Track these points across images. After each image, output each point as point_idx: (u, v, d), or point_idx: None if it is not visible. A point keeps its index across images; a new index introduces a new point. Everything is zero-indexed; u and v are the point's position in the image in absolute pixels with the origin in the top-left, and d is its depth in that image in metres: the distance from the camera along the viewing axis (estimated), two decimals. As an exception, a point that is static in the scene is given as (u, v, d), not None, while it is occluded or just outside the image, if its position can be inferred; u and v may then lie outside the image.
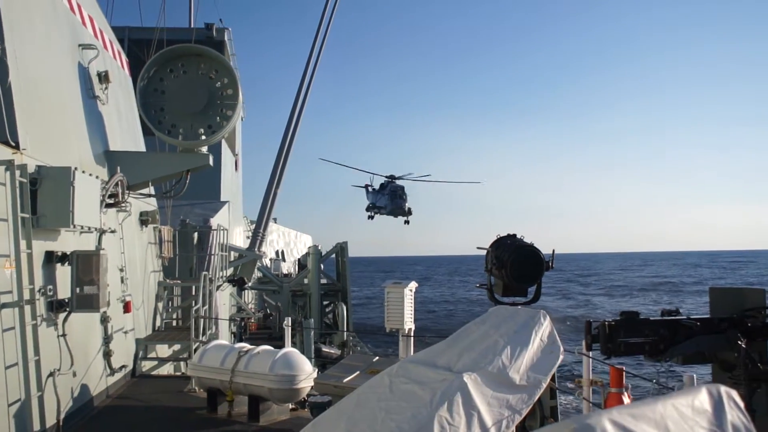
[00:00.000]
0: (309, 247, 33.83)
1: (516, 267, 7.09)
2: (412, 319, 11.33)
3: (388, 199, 49.52)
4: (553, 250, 7.38)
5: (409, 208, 49.34)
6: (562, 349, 5.53)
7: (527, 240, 7.38)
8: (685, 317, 6.34)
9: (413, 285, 11.29)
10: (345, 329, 28.10)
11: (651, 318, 6.27)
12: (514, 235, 7.40)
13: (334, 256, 32.53)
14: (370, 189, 53.06)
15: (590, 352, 6.86)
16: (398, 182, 50.52)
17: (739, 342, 6.16)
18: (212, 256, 19.01)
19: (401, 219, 50.26)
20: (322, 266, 31.41)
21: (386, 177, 50.94)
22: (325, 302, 31.08)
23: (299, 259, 46.08)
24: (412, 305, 11.18)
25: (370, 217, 51.60)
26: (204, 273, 16.18)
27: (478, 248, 7.56)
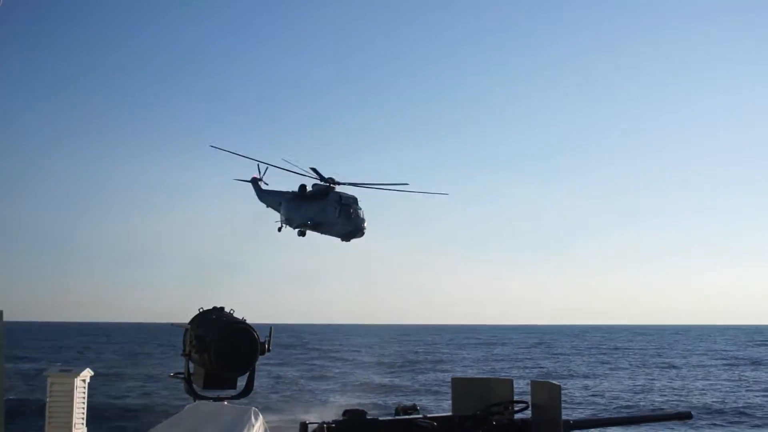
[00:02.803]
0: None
1: (222, 350, 6.83)
2: (84, 420, 10.69)
3: (341, 216, 43.92)
4: (271, 329, 7.29)
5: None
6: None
7: (239, 315, 7.19)
8: (421, 416, 6.55)
9: (87, 374, 10.68)
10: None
11: (380, 418, 6.39)
12: (222, 309, 7.18)
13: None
14: (262, 184, 48.13)
15: None
16: (337, 188, 44.75)
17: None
18: None
19: None
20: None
21: (322, 180, 44.97)
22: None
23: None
24: (85, 400, 10.56)
25: (302, 233, 45.44)
26: None
27: (174, 325, 7.29)
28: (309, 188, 46.01)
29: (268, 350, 7.14)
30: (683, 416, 8.79)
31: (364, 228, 43.96)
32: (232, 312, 7.17)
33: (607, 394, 76.46)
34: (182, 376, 7.14)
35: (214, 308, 7.16)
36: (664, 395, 75.72)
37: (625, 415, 27.22)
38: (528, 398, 7.10)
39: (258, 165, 47.30)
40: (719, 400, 67.82)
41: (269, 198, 48.13)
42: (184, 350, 7.06)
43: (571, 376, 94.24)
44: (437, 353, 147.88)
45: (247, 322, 7.12)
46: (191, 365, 7.11)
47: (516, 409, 7.00)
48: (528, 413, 6.96)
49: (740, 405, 63.49)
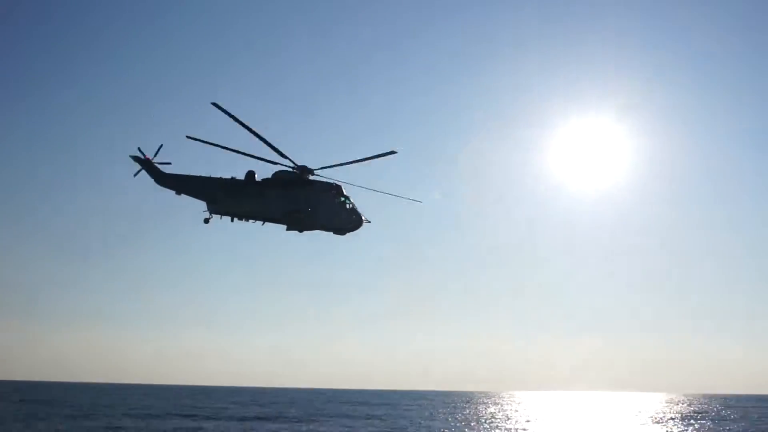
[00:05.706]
0: None
1: None
2: None
3: (343, 209, 38.61)
4: None
5: None
6: None
7: None
8: None
9: None
10: None
11: None
12: None
13: None
14: (153, 162, 40.29)
15: None
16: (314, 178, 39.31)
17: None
18: None
19: None
20: None
21: (293, 167, 38.40)
22: None
23: None
24: None
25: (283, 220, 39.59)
26: None
27: None
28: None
29: None
30: None
31: (363, 221, 40.34)
32: None
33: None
34: None
35: None
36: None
37: None
38: None
39: (138, 148, 41.41)
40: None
41: (187, 184, 40.35)
42: None
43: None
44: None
45: None
46: None
47: None
48: None
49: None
